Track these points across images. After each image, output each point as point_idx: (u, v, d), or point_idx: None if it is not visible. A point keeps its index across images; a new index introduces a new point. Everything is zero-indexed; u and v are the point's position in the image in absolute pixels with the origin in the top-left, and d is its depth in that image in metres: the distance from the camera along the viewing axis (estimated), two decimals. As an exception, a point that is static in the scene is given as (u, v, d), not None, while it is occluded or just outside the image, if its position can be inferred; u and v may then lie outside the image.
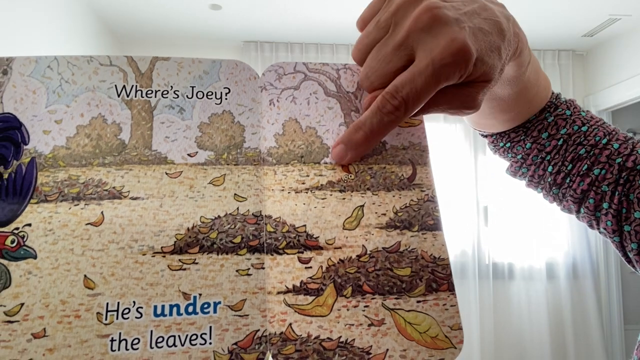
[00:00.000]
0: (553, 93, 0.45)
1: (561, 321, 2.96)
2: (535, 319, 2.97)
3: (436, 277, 0.31)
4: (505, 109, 0.43)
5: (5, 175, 0.31)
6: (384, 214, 0.33)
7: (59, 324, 0.28)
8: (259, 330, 0.29)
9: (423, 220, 0.33)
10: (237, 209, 0.32)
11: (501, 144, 0.48)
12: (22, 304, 0.28)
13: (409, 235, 0.32)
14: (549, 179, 0.45)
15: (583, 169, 0.42)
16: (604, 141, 0.42)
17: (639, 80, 2.60)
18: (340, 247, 0.31)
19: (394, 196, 0.34)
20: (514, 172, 0.48)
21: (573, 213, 0.45)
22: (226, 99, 0.35)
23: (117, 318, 0.28)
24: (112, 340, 0.28)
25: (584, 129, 0.43)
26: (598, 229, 0.43)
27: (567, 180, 0.43)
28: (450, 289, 0.31)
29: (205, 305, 0.29)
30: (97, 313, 0.28)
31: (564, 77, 3.02)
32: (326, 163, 0.34)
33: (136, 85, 0.34)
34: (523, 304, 2.99)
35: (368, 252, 0.32)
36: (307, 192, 0.33)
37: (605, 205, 0.41)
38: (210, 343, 0.28)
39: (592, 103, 3.01)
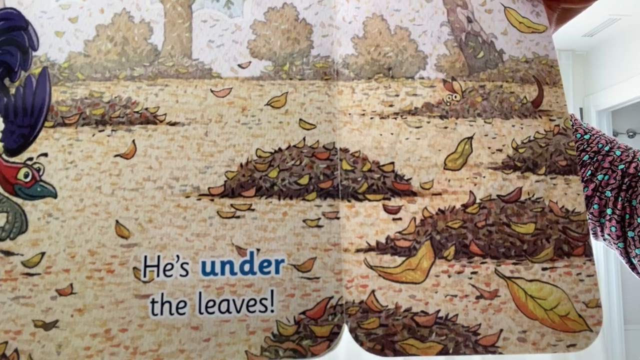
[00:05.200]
0: None
1: (561, 322, 2.93)
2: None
3: (569, 237, 0.24)
4: None
5: (12, 90, 0.24)
6: (500, 150, 0.24)
7: (89, 279, 0.23)
8: (332, 297, 0.23)
9: (552, 159, 0.24)
10: (304, 139, 0.24)
11: None
12: (43, 254, 0.23)
13: (534, 180, 0.24)
14: None
15: (587, 175, 0.43)
16: (607, 148, 0.43)
17: (639, 80, 2.67)
18: (440, 194, 0.24)
19: (513, 126, 0.25)
20: None
21: None
22: None
23: (157, 275, 0.23)
24: (154, 302, 0.22)
25: (586, 137, 0.45)
26: (602, 236, 0.44)
27: None
28: (587, 253, 0.24)
29: (265, 264, 0.23)
30: (134, 268, 0.23)
31: (564, 77, 3.12)
32: (422, 78, 0.25)
33: None
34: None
35: (477, 200, 0.24)
36: (396, 118, 0.25)
37: (609, 211, 0.42)
38: (272, 311, 0.22)
39: (592, 103, 3.04)
